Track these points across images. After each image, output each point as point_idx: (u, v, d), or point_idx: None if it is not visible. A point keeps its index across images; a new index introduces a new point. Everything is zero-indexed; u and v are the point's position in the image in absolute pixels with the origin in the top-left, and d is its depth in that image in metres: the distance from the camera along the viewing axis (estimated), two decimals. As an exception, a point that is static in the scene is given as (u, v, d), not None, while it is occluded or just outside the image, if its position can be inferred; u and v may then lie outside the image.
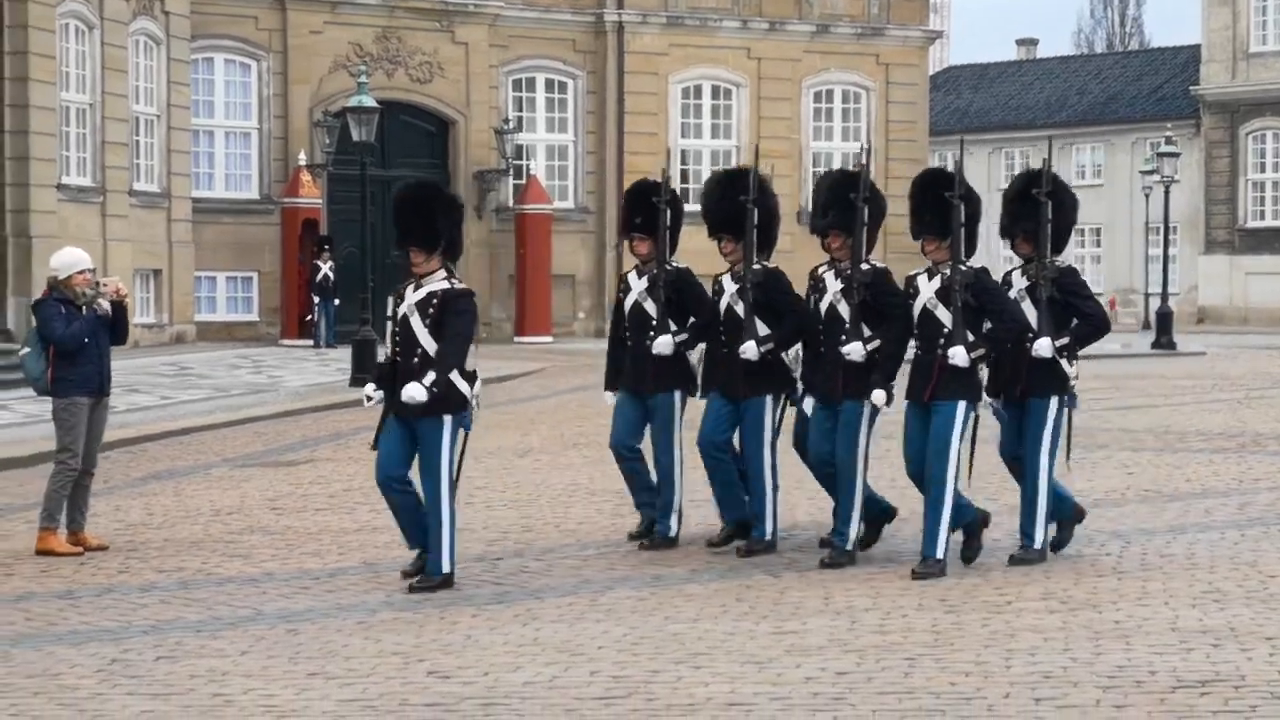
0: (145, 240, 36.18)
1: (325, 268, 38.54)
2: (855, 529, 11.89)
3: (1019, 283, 11.97)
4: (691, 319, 12.54)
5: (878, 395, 11.52)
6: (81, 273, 13.01)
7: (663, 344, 12.47)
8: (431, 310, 11.12)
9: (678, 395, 12.60)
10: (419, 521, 11.29)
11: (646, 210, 12.70)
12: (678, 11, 44.69)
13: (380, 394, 11.29)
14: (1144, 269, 59.62)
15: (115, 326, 13.04)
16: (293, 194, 39.96)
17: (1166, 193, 46.62)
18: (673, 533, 12.65)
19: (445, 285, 11.22)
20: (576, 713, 8.22)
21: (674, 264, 12.68)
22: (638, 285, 12.75)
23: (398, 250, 11.50)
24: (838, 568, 11.69)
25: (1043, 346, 11.70)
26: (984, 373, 11.59)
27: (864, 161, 12.76)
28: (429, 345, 11.07)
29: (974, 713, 8.08)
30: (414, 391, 10.88)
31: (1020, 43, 77.96)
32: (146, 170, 37.16)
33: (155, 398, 24.45)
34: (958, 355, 11.32)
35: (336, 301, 38.22)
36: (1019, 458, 12.00)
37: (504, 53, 43.22)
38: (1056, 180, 12.02)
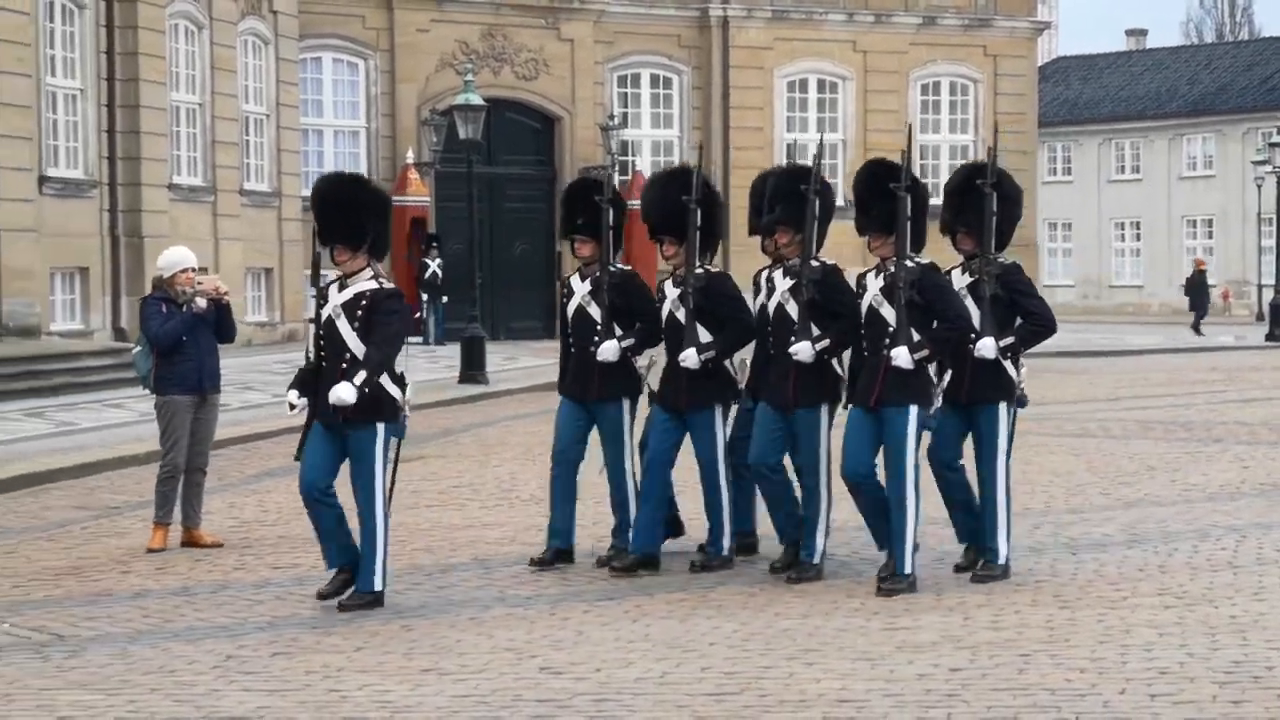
0: (256, 239, 36.49)
1: (434, 265, 38.75)
2: (823, 540, 11.32)
3: (960, 280, 11.24)
4: (638, 324, 11.85)
5: (805, 348, 10.97)
6: (184, 271, 13.13)
7: (607, 350, 11.78)
8: (360, 311, 10.48)
9: (625, 404, 11.89)
10: (340, 539, 10.68)
11: (589, 210, 11.94)
12: (783, 5, 44.60)
13: (303, 401, 10.65)
14: (1257, 260, 58.93)
15: (219, 325, 13.13)
16: (401, 192, 40.14)
17: (1279, 183, 46.07)
18: (630, 547, 11.76)
19: (373, 285, 10.57)
20: (688, 709, 8.21)
21: (618, 266, 12.01)
22: (581, 289, 11.97)
23: (321, 248, 10.70)
24: (805, 581, 11.14)
25: (986, 347, 10.98)
26: (947, 376, 10.99)
27: (816, 153, 11.98)
28: (357, 349, 10.46)
29: (1089, 709, 8.02)
30: (343, 392, 10.29)
31: (1129, 33, 77.35)
32: (257, 169, 37.48)
33: (268, 395, 24.66)
34: (900, 356, 10.67)
35: (445, 299, 38.40)
36: (954, 467, 11.39)
37: (609, 49, 43.27)
38: (1001, 172, 11.33)
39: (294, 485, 11.02)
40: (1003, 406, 11.15)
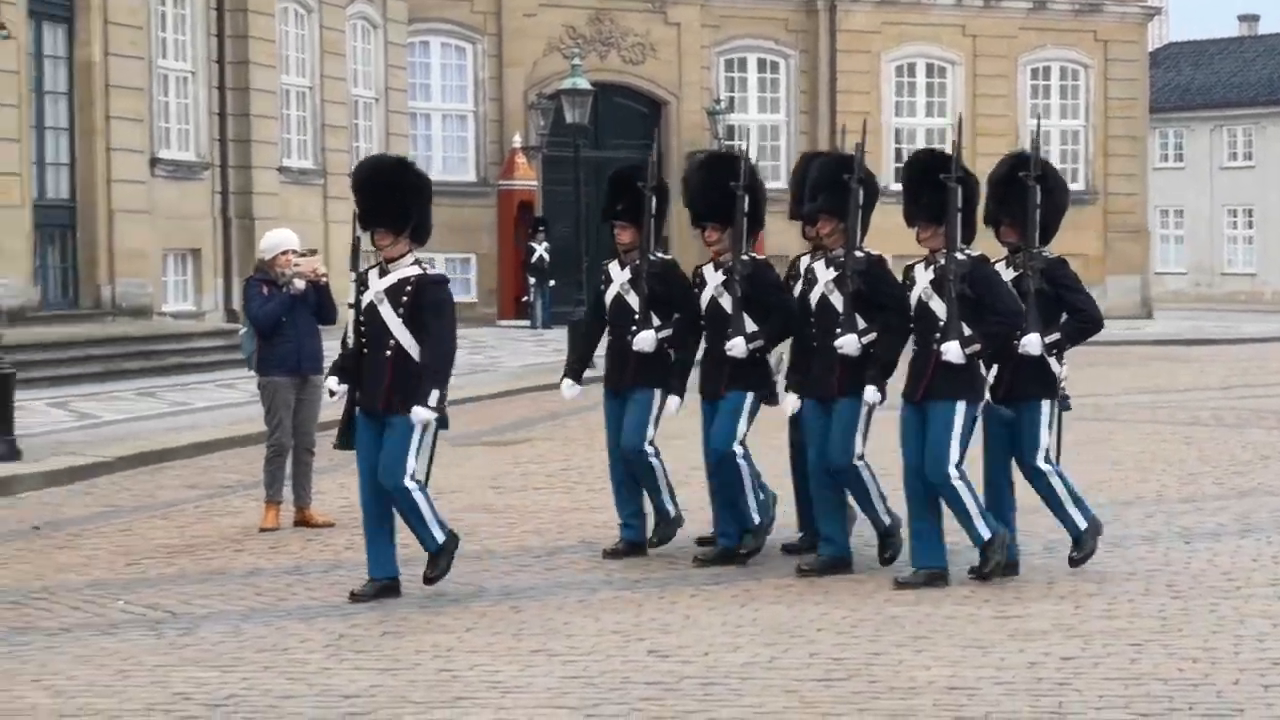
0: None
1: (540, 249, 38.85)
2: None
3: (1005, 274, 10.90)
4: (676, 315, 11.63)
5: (869, 392, 10.72)
6: (284, 253, 13.22)
7: (644, 339, 11.54)
8: (405, 298, 10.22)
9: (657, 394, 11.60)
10: (388, 549, 10.50)
11: (630, 196, 11.69)
12: (891, -11, 44.39)
13: (344, 388, 10.42)
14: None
15: (319, 307, 13.21)
16: (508, 176, 40.30)
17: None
18: (672, 515, 11.80)
19: (417, 271, 10.31)
20: (796, 694, 8.21)
21: (657, 254, 11.77)
22: (620, 276, 11.76)
23: (361, 232, 10.46)
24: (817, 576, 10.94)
25: (1031, 343, 10.66)
26: (994, 372, 10.74)
27: (859, 141, 11.57)
28: (403, 336, 10.21)
29: (1202, 699, 7.95)
30: (423, 415, 10.12)
31: (1241, 18, 76.38)
32: (366, 153, 37.64)
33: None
34: (951, 351, 10.43)
35: (552, 283, 38.51)
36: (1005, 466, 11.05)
37: (716, 33, 43.21)
38: (1046, 164, 11.05)
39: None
40: (1045, 404, 10.85)
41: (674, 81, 42.59)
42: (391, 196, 10.30)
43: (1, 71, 18.36)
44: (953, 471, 10.48)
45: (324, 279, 13.24)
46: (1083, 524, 10.99)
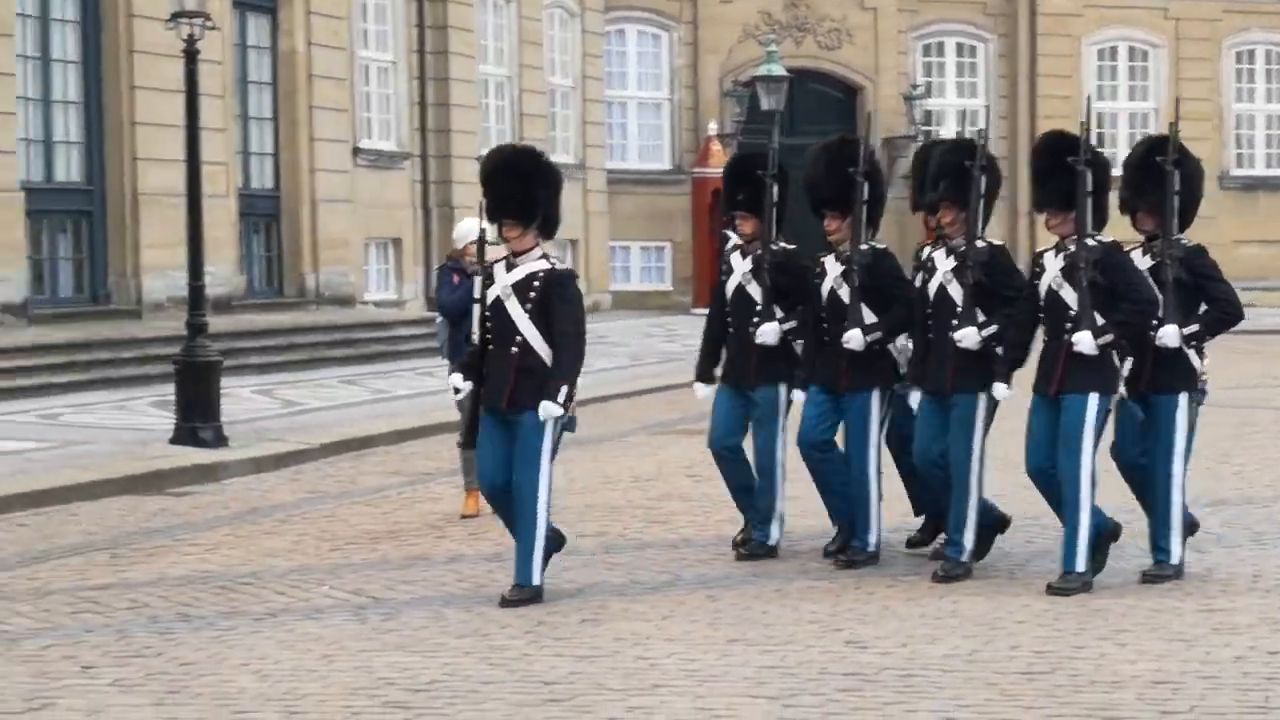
0: (563, 211, 36.82)
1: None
2: (971, 537, 10.68)
3: (1141, 263, 10.43)
4: (800, 306, 11.32)
5: (999, 388, 10.36)
6: (474, 241, 13.32)
7: (767, 332, 11.22)
8: (533, 294, 9.92)
9: (782, 389, 11.28)
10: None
11: (751, 185, 11.41)
12: (1092, -29, 43.76)
13: (469, 385, 10.15)
14: None
15: None
16: (703, 164, 40.27)
17: None
18: (773, 540, 11.43)
19: (545, 265, 10.03)
20: (997, 687, 8.15)
21: (780, 244, 11.44)
22: (741, 267, 11.47)
23: (489, 223, 10.18)
24: (954, 580, 10.50)
25: (1169, 335, 10.23)
26: (1128, 364, 10.30)
27: (982, 128, 11.29)
28: (530, 333, 9.91)
29: None
30: (551, 410, 9.84)
31: None
32: (563, 142, 37.90)
33: (571, 365, 24.89)
34: (1083, 341, 10.03)
35: (746, 270, 38.42)
36: (1136, 465, 10.65)
37: (913, 17, 42.89)
38: (1183, 148, 10.53)
39: (600, 454, 11.15)
40: (1183, 398, 10.41)
41: (870, 67, 42.34)
42: (520, 187, 10.00)
43: (206, 62, 18.68)
44: (1085, 471, 10.08)
45: None
46: (1176, 556, 10.50)
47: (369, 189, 30.81)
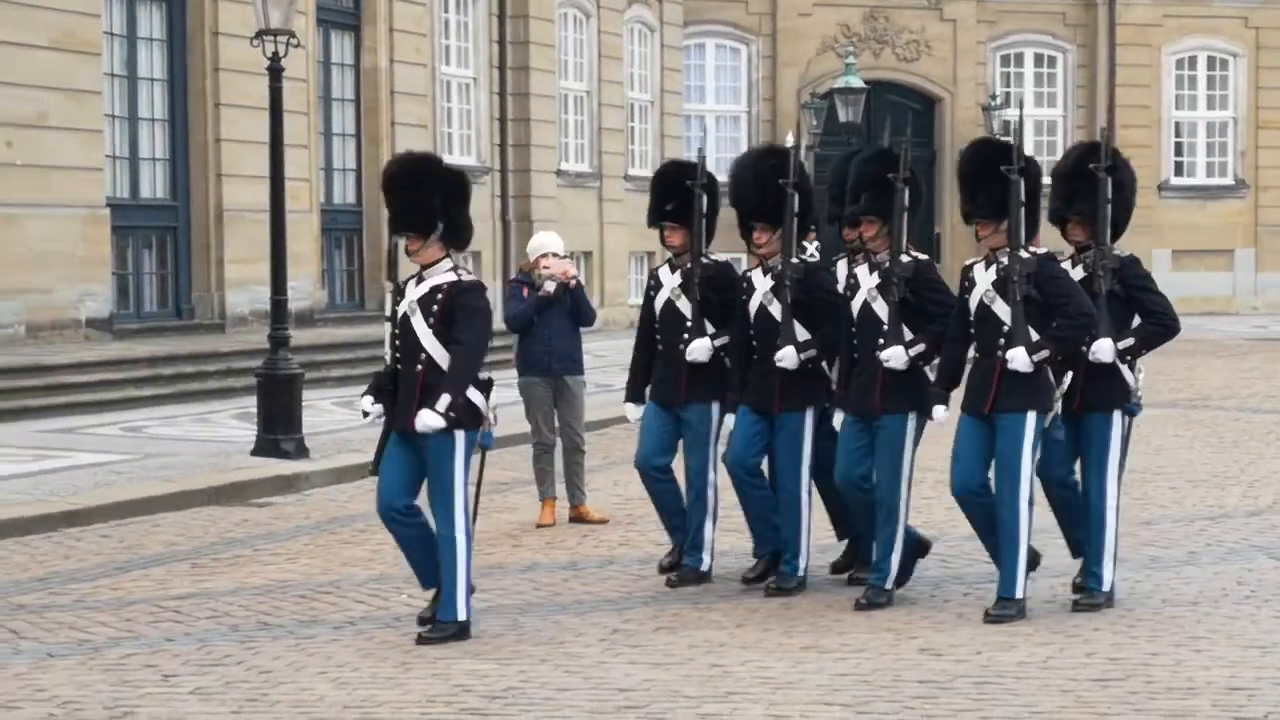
0: (639, 224, 36.87)
1: (812, 248, 38.69)
2: (897, 562, 10.20)
3: (1073, 275, 9.98)
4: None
5: (938, 411, 9.83)
6: (543, 255, 13.41)
7: (698, 349, 10.78)
8: (436, 308, 9.34)
9: (714, 408, 10.81)
10: (432, 556, 9.53)
11: (680, 195, 10.90)
12: (1172, -19, 43.53)
13: (379, 408, 9.51)
14: None
15: (576, 309, 13.35)
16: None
17: None
18: (704, 566, 10.94)
19: (451, 278, 9.41)
20: (1072, 694, 8.15)
21: (710, 257, 11.01)
22: (670, 281, 11.02)
23: (396, 237, 9.59)
24: (877, 609, 10.01)
25: (1102, 349, 9.77)
26: (1067, 380, 9.81)
27: (904, 138, 10.82)
28: (434, 350, 9.33)
29: None
30: (429, 420, 9.18)
31: None
32: (640, 155, 38.00)
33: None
34: (1017, 358, 9.53)
35: (825, 282, 38.37)
36: (1067, 484, 10.22)
37: (992, 28, 42.77)
38: (1117, 154, 10.09)
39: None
40: (1117, 415, 9.95)
41: (948, 78, 42.26)
42: (415, 197, 9.39)
43: (291, 79, 18.86)
44: (1024, 497, 9.63)
45: (574, 281, 13.38)
46: (1107, 583, 10.04)
47: (449, 204, 30.92)
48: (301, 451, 16.41)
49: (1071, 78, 43.47)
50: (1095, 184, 9.98)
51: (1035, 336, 9.61)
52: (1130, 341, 9.94)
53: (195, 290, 24.95)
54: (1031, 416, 9.62)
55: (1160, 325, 10.04)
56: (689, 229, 10.94)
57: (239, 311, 24.76)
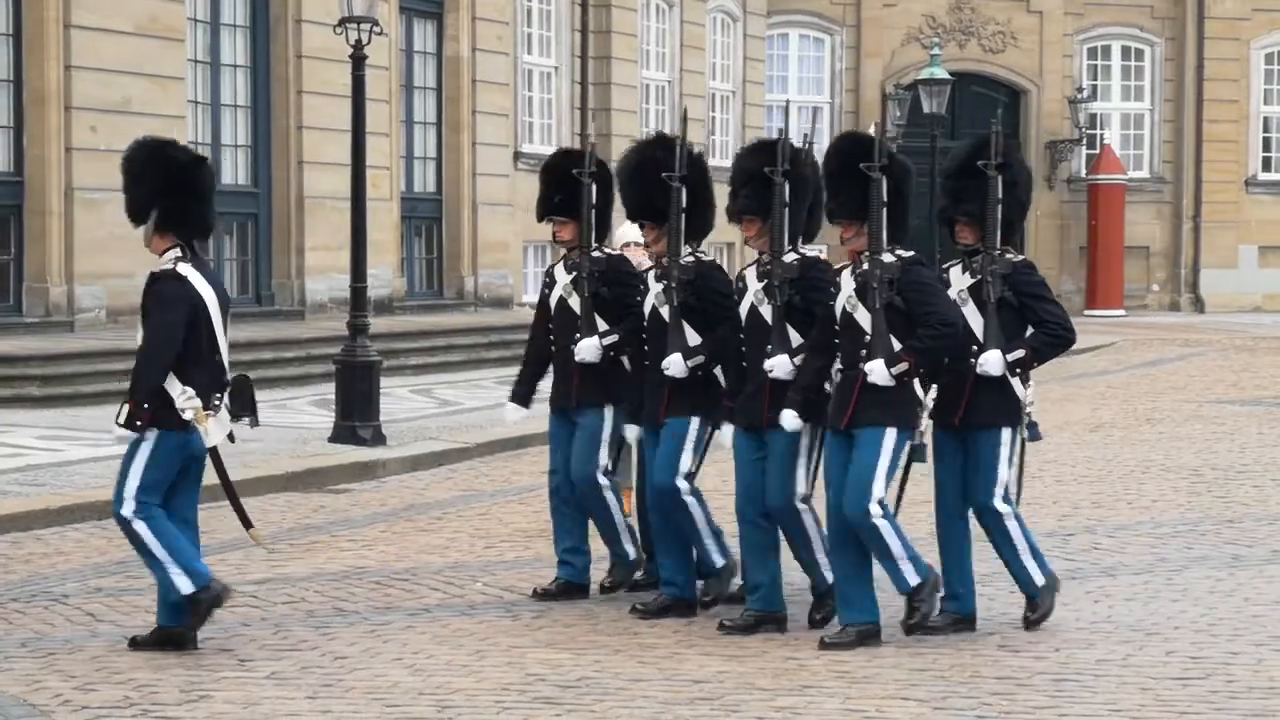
0: (721, 215, 36.83)
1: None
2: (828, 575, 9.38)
3: (961, 281, 9.27)
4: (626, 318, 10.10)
5: (786, 416, 9.03)
6: (626, 245, 13.32)
7: (586, 348, 10.04)
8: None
9: (608, 413, 10.07)
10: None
11: (568, 187, 10.20)
12: (1262, -26, 43.10)
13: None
14: None
15: None
16: (864, 166, 40.11)
17: None
18: (631, 556, 10.35)
19: (168, 267, 9.05)
20: (1151, 692, 8.07)
21: (603, 251, 10.29)
22: (563, 279, 10.28)
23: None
24: (846, 647, 9.03)
25: (991, 361, 9.06)
26: (932, 394, 9.08)
27: (782, 127, 9.82)
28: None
29: None
30: (117, 432, 9.03)
31: None
32: (722, 146, 37.89)
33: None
34: (875, 371, 8.76)
35: (906, 274, 38.21)
36: (961, 513, 9.45)
37: (1079, 20, 42.46)
38: (1009, 150, 9.36)
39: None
40: (1006, 433, 9.20)
41: (1034, 70, 41.98)
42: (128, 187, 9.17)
43: (373, 67, 18.93)
44: (874, 507, 8.82)
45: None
46: (1039, 579, 9.40)
47: (529, 193, 30.86)
48: (379, 438, 16.44)
49: (1159, 71, 43.10)
50: (984, 182, 9.23)
51: (898, 347, 8.83)
52: (1020, 353, 9.15)
53: (275, 277, 25.05)
54: (891, 433, 8.82)
55: (1053, 335, 9.26)
56: (579, 222, 10.21)
57: (318, 299, 24.84)
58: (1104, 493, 14.14)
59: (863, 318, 8.89)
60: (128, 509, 8.95)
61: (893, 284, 8.84)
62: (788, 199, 9.23)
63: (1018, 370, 9.18)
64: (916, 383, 8.89)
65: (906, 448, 8.94)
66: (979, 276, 9.22)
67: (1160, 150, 43.07)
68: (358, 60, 17.23)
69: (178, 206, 9.02)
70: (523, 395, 10.61)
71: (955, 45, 40.71)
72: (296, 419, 18.22)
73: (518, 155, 30.86)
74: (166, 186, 9.03)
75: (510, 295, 29.35)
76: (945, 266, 9.52)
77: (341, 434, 16.46)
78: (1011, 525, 9.38)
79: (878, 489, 8.84)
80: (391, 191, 26.39)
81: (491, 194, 29.07)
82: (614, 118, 33.34)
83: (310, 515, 13.39)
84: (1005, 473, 9.27)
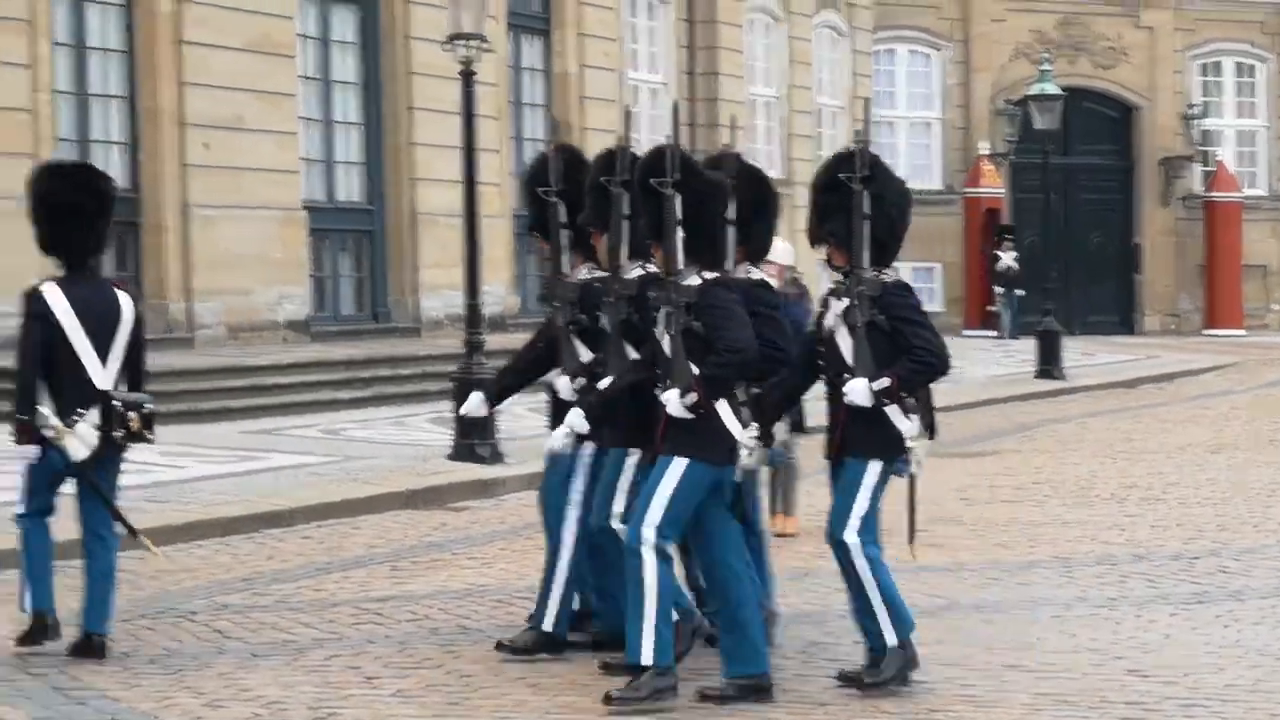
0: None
1: (1007, 258, 38.39)
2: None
3: (836, 306, 8.55)
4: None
5: (570, 420, 8.73)
6: (767, 264, 13.29)
7: (560, 386, 9.31)
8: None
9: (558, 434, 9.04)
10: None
11: (537, 205, 9.49)
12: (1374, -11, 42.63)
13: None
14: None
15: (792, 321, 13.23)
16: (974, 184, 39.96)
17: None
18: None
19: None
20: (1281, 718, 7.99)
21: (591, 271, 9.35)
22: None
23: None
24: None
25: (856, 390, 8.34)
26: (750, 431, 8.35)
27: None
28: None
29: None
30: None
31: None
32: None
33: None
34: (670, 401, 8.19)
35: (1020, 292, 38.00)
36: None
37: (1189, 36, 42.13)
38: (876, 162, 8.56)
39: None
40: (875, 466, 8.46)
41: (1145, 86, 41.67)
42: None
43: (482, 84, 19.05)
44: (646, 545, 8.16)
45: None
46: (890, 637, 8.52)
47: (638, 209, 30.99)
48: (496, 457, 16.51)
49: (1271, 87, 42.70)
50: (849, 198, 8.50)
51: (696, 371, 8.21)
52: (886, 383, 8.37)
53: (391, 294, 25.22)
54: (681, 463, 8.19)
55: (921, 363, 8.40)
56: (551, 242, 9.41)
57: (433, 315, 25.00)
58: (1229, 515, 14.00)
59: (667, 345, 8.32)
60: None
61: (689, 309, 8.22)
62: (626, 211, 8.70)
63: (887, 400, 8.40)
64: (896, 410, 8.38)
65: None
66: (849, 299, 8.51)
67: (1275, 167, 42.66)
68: (467, 77, 17.32)
69: (54, 229, 9.26)
70: (492, 391, 10.21)
71: (1065, 61, 40.46)
72: (415, 436, 18.33)
73: (626, 172, 30.88)
74: (42, 209, 9.28)
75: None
76: (825, 295, 8.78)
77: (460, 452, 16.54)
78: (860, 562, 8.51)
79: (651, 520, 8.17)
80: (503, 208, 26.50)
81: (604, 210, 29.11)
82: (721, 134, 33.34)
83: (431, 533, 13.46)
84: (865, 506, 8.47)
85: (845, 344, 8.48)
